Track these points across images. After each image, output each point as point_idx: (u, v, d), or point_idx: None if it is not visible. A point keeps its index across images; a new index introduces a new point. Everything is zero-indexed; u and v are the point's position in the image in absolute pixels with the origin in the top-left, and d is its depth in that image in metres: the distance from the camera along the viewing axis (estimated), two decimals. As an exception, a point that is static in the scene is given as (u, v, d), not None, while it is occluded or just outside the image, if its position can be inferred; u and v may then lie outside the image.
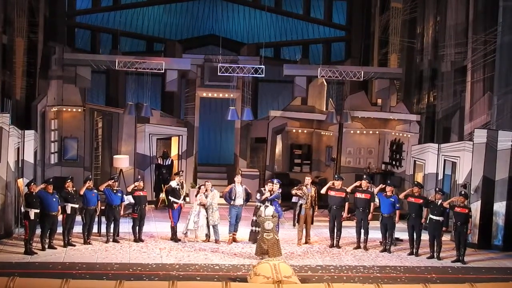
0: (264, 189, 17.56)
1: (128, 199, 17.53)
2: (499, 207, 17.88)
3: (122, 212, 17.47)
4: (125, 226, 17.79)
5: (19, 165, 17.92)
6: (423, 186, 19.08)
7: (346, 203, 17.54)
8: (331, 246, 17.46)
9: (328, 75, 21.76)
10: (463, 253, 16.53)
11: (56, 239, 16.45)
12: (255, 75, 21.55)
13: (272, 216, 16.06)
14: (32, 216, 15.78)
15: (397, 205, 17.15)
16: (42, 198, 15.98)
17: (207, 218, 17.39)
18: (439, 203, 16.79)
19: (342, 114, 22.20)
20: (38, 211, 15.85)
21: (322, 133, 24.68)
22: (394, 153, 22.78)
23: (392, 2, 23.93)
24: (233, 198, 17.56)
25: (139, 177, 18.81)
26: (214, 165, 26.35)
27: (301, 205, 17.64)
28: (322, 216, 19.26)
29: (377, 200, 17.53)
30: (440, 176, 19.88)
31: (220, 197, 18.01)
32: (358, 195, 17.49)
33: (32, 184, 16.24)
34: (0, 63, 18.85)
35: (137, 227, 17.38)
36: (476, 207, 17.83)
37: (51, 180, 16.69)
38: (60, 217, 16.50)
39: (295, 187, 18.11)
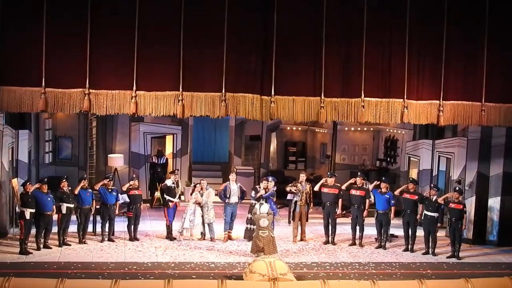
0: (259, 187, 17.56)
1: (123, 198, 17.52)
2: (494, 202, 17.91)
3: (117, 211, 17.45)
4: (120, 225, 17.78)
5: (14, 165, 17.88)
6: (418, 182, 19.11)
7: (340, 200, 17.58)
8: (326, 243, 17.49)
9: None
10: (458, 248, 16.56)
11: (51, 238, 16.42)
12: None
13: (267, 213, 16.05)
14: (27, 216, 15.73)
15: (392, 201, 17.19)
16: (37, 197, 15.95)
17: (202, 216, 17.40)
18: (434, 199, 16.82)
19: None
20: (33, 210, 15.82)
21: (316, 130, 24.70)
22: (389, 150, 22.81)
23: None
24: (228, 196, 17.56)
25: (134, 176, 18.78)
26: (208, 163, 26.31)
27: (296, 202, 17.66)
28: (317, 213, 19.27)
29: (372, 196, 17.56)
30: (435, 172, 19.93)
31: (215, 195, 18.01)
32: (353, 192, 17.52)
33: (28, 183, 16.21)
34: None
35: (132, 226, 17.36)
36: (470, 202, 17.87)
37: (45, 179, 16.66)
38: (55, 217, 16.49)
39: (290, 184, 18.12)
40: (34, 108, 14.42)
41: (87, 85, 14.32)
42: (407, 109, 15.36)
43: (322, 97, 15.07)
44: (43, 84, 14.19)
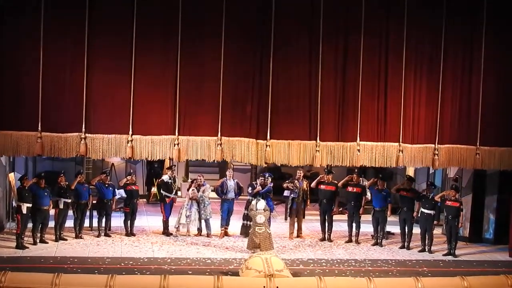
0: (256, 183, 17.57)
1: (120, 193, 17.53)
2: (490, 200, 17.94)
3: (114, 206, 17.46)
4: (117, 220, 17.78)
5: (10, 159, 17.86)
6: (415, 180, 19.11)
7: (336, 197, 17.59)
8: (323, 239, 17.50)
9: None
10: (454, 246, 16.58)
11: (48, 233, 16.43)
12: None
13: (263, 210, 16.05)
14: (24, 211, 15.72)
15: (389, 199, 17.21)
16: (34, 192, 15.93)
17: (199, 212, 17.40)
18: (430, 197, 16.84)
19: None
20: (30, 205, 15.81)
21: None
22: (386, 147, 22.74)
23: None
24: (224, 192, 17.56)
25: (131, 171, 18.79)
26: (206, 159, 26.27)
27: (292, 198, 17.66)
28: (313, 210, 19.28)
29: (368, 194, 17.58)
30: (432, 170, 19.91)
31: (212, 191, 18.01)
32: (350, 189, 17.54)
33: (25, 178, 16.20)
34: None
35: (129, 221, 17.36)
36: (467, 200, 17.88)
37: (42, 174, 16.65)
38: (52, 212, 16.48)
39: (287, 181, 18.13)
40: (30, 152, 14.66)
41: (83, 130, 14.52)
42: (402, 152, 15.65)
43: (318, 141, 15.37)
44: (39, 129, 14.34)
